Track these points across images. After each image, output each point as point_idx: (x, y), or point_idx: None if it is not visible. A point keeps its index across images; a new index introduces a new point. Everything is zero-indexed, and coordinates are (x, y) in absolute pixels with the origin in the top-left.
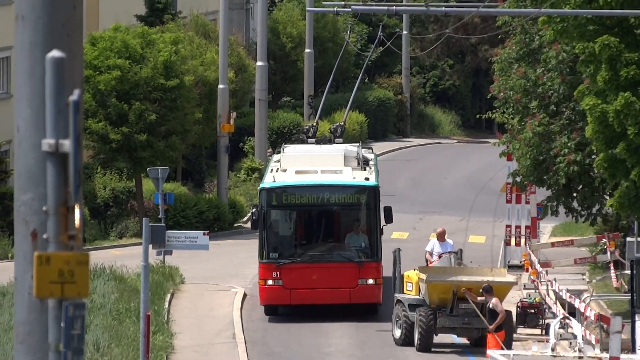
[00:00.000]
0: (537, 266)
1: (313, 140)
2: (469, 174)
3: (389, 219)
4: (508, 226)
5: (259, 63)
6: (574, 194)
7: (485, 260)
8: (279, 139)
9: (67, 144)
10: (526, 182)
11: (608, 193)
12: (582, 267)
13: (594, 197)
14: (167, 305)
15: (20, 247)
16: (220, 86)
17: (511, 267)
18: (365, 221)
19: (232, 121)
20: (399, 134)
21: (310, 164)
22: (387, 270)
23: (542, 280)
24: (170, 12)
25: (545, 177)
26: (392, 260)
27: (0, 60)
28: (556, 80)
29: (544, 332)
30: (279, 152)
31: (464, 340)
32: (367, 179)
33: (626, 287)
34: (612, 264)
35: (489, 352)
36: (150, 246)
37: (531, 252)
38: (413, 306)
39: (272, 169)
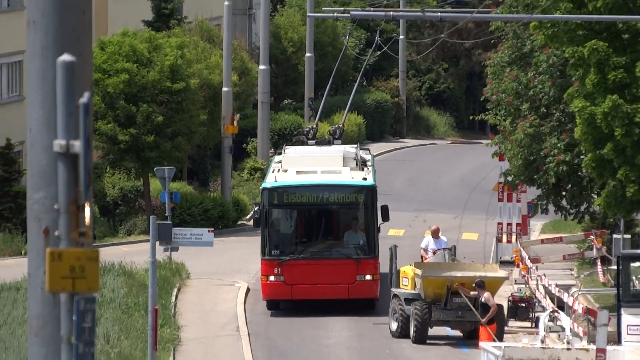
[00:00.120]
0: (528, 262)
1: (313, 141)
2: (463, 173)
3: (385, 217)
4: (500, 224)
5: (261, 67)
6: (563, 193)
7: (477, 256)
8: (281, 139)
9: (77, 145)
10: (517, 181)
11: (596, 192)
12: (571, 263)
13: (582, 195)
14: (173, 300)
15: (33, 244)
16: (224, 89)
17: (503, 263)
18: (363, 219)
19: (235, 123)
20: (396, 135)
21: (310, 165)
22: (384, 267)
23: (532, 275)
24: (176, 17)
25: (535, 176)
26: (389, 256)
27: (13, 64)
28: (547, 84)
29: (534, 324)
30: (280, 153)
31: (457, 333)
32: (364, 179)
33: (612, 282)
34: (599, 260)
35: (481, 344)
36: (157, 243)
37: (522, 249)
38: (409, 300)
39: (273, 170)
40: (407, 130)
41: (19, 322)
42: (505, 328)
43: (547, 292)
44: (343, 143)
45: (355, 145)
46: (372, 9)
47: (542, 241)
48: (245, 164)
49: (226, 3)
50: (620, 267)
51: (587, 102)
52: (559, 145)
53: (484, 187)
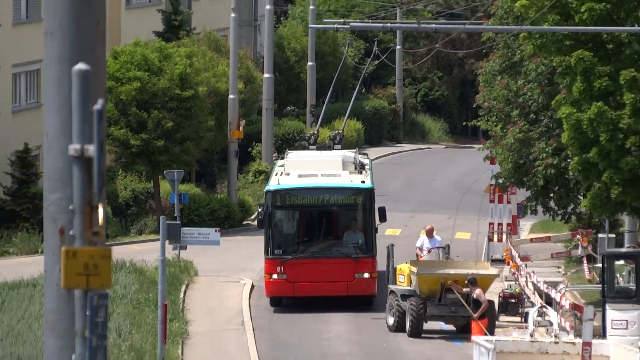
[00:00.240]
0: (518, 260)
1: (314, 146)
2: (456, 176)
3: (383, 218)
4: (491, 224)
5: (265, 75)
6: (551, 195)
7: (470, 254)
8: (284, 144)
9: (91, 149)
10: (508, 183)
11: (582, 194)
12: (558, 261)
13: (569, 197)
14: (182, 296)
15: (49, 243)
16: (231, 96)
17: (494, 261)
18: (361, 220)
19: (241, 128)
20: (393, 140)
21: (311, 169)
22: (381, 265)
23: (521, 272)
24: (185, 28)
25: (525, 179)
26: (386, 254)
27: (31, 73)
28: (535, 91)
29: (523, 319)
30: (283, 158)
31: (451, 327)
32: (363, 182)
33: (598, 279)
34: (585, 258)
35: (473, 337)
36: (167, 242)
37: (512, 247)
38: (405, 296)
39: (276, 173)
40: (404, 135)
41: (35, 316)
42: (496, 323)
43: (536, 288)
44: (343, 148)
45: (354, 150)
46: (370, 21)
47: (531, 240)
48: (250, 167)
49: (232, 15)
50: (605, 265)
51: (574, 109)
52: (547, 149)
53: (476, 189)
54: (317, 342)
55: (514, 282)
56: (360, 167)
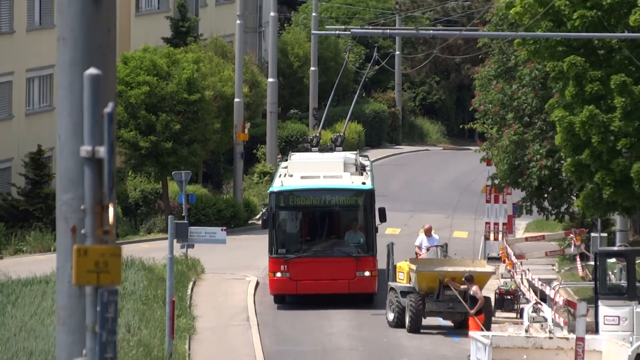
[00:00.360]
0: (513, 258)
1: (316, 148)
2: (454, 177)
3: (383, 218)
4: (487, 223)
5: (270, 79)
6: (545, 195)
7: (467, 252)
8: (288, 146)
9: (102, 151)
10: (503, 184)
11: (575, 194)
12: (552, 259)
13: (562, 197)
14: (189, 292)
15: (62, 241)
16: (236, 100)
17: (490, 259)
18: (362, 220)
19: (246, 131)
20: (392, 142)
21: (314, 170)
22: (381, 263)
23: (517, 270)
24: (192, 34)
25: (520, 180)
26: (386, 253)
27: (44, 77)
28: (529, 95)
29: (518, 315)
30: (286, 160)
31: (449, 323)
32: (364, 183)
33: (590, 276)
34: (578, 256)
35: (470, 333)
36: (175, 240)
37: (508, 246)
38: (404, 293)
39: (280, 174)
40: (403, 137)
41: (47, 312)
42: (493, 318)
43: (531, 285)
44: (344, 150)
45: (355, 152)
46: (370, 27)
47: (526, 239)
48: (255, 168)
49: (238, 22)
50: (598, 263)
51: (567, 112)
52: (541, 151)
53: (472, 190)
54: (319, 337)
55: (509, 280)
56: (361, 169)
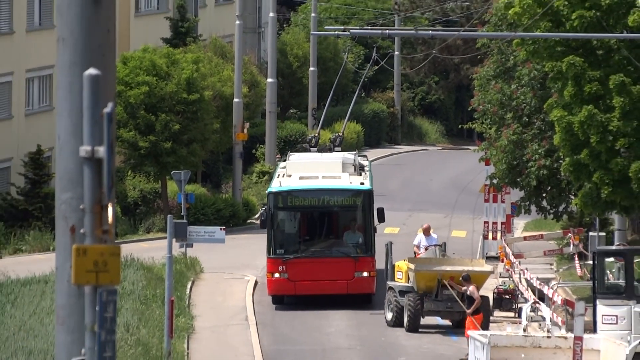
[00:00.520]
0: (511, 257)
1: (315, 149)
2: (452, 176)
3: (381, 218)
4: (486, 222)
5: (269, 80)
6: (544, 195)
7: (466, 252)
8: (287, 146)
9: (101, 151)
10: (502, 183)
11: (573, 193)
12: (550, 258)
13: (561, 197)
14: (188, 292)
15: (61, 241)
16: (236, 100)
17: (489, 258)
18: (360, 221)
19: (245, 130)
20: (391, 142)
21: (312, 170)
22: (380, 263)
23: (515, 269)
24: (192, 35)
25: (518, 179)
26: (385, 252)
27: (43, 77)
28: (528, 95)
29: (517, 315)
30: (285, 160)
31: (447, 322)
32: (362, 183)
33: (589, 275)
34: (576, 256)
35: (469, 332)
36: (174, 240)
37: (506, 245)
38: (403, 292)
39: (278, 175)
40: (402, 137)
41: (46, 312)
42: (491, 318)
43: (529, 284)
44: (343, 149)
45: (354, 152)
46: (369, 27)
47: (525, 238)
48: (254, 168)
49: (237, 22)
50: (596, 262)
51: (565, 112)
52: (539, 151)
53: (471, 189)
54: (318, 336)
55: (508, 279)
56: (359, 169)
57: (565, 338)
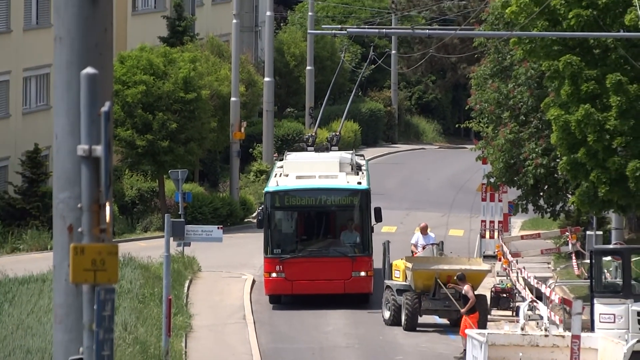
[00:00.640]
0: (509, 256)
1: (312, 148)
2: (449, 175)
3: (378, 218)
4: (483, 221)
5: (266, 79)
6: (541, 193)
7: (463, 251)
8: (284, 145)
9: (99, 149)
10: (499, 182)
11: (570, 192)
12: (548, 257)
13: (558, 195)
14: (186, 290)
15: (58, 239)
16: (233, 99)
17: (486, 257)
18: (357, 220)
19: (242, 129)
20: (388, 141)
21: (309, 170)
22: (377, 262)
23: (512, 268)
24: (189, 34)
25: (515, 178)
26: (382, 251)
27: (41, 76)
28: (525, 94)
29: (514, 313)
30: (282, 159)
31: (444, 321)
32: (359, 183)
33: (586, 274)
34: (573, 254)
35: (467, 331)
36: (171, 239)
37: (503, 244)
38: (400, 291)
39: (275, 174)
40: (399, 136)
41: (44, 310)
42: (488, 317)
43: (527, 283)
44: (340, 148)
45: (351, 152)
46: (366, 26)
47: (522, 237)
48: (252, 167)
49: (234, 21)
50: (593, 260)
51: (562, 111)
52: (536, 150)
53: (468, 188)
54: (316, 335)
55: (505, 278)
56: (356, 168)
57: (563, 337)
